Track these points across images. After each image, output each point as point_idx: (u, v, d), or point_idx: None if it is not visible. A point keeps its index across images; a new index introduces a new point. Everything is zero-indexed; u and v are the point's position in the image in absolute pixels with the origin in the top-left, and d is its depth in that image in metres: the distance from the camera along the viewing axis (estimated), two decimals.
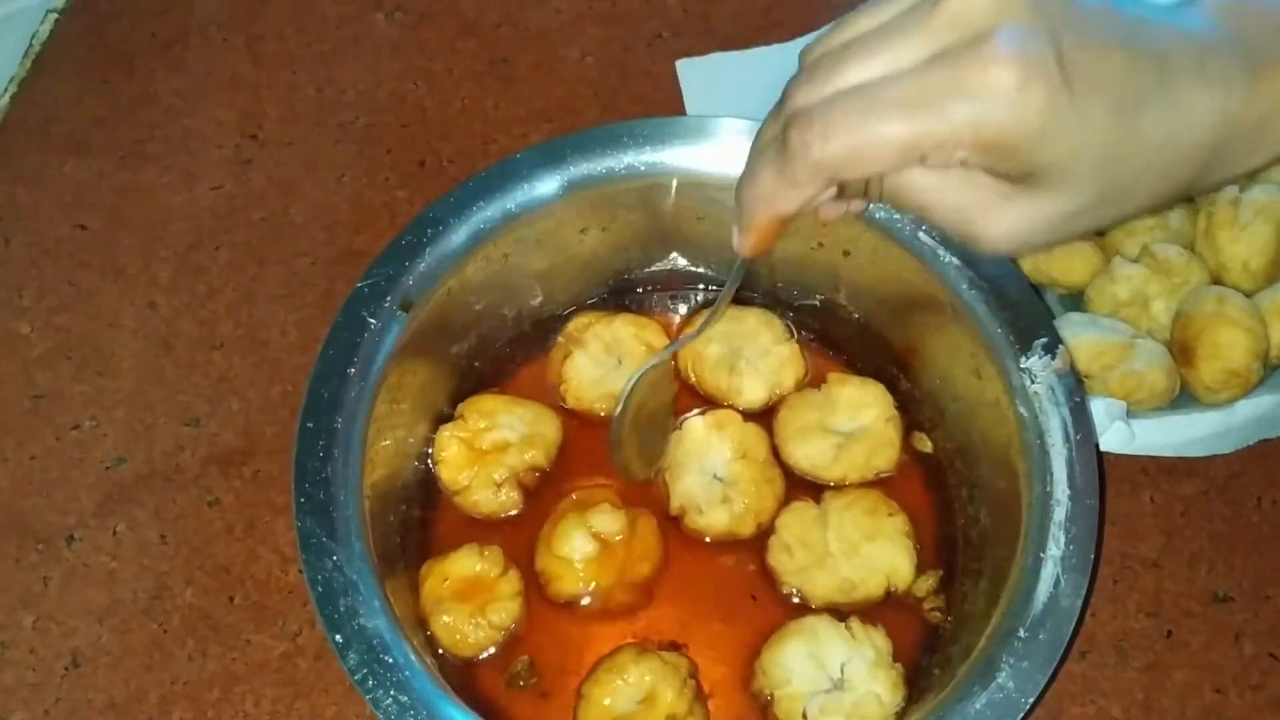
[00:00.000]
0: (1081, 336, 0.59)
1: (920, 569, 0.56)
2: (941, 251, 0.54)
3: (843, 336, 0.63)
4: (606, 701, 0.52)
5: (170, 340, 0.68)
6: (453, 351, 0.60)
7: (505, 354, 0.63)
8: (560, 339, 0.62)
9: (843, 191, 0.40)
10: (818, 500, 0.58)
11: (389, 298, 0.54)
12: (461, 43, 0.80)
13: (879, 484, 0.59)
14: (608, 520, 0.56)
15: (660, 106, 0.75)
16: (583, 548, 0.55)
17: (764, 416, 0.61)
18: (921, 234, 0.55)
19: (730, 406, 0.61)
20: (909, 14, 0.37)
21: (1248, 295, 0.61)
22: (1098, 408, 0.56)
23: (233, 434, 0.64)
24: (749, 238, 0.42)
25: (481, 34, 0.80)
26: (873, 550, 0.55)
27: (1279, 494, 0.61)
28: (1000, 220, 0.38)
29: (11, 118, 0.77)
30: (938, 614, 0.55)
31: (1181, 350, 0.60)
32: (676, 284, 0.65)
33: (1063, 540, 0.48)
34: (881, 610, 0.55)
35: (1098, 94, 0.36)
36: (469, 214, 0.56)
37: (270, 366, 0.67)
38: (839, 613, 0.54)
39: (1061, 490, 0.49)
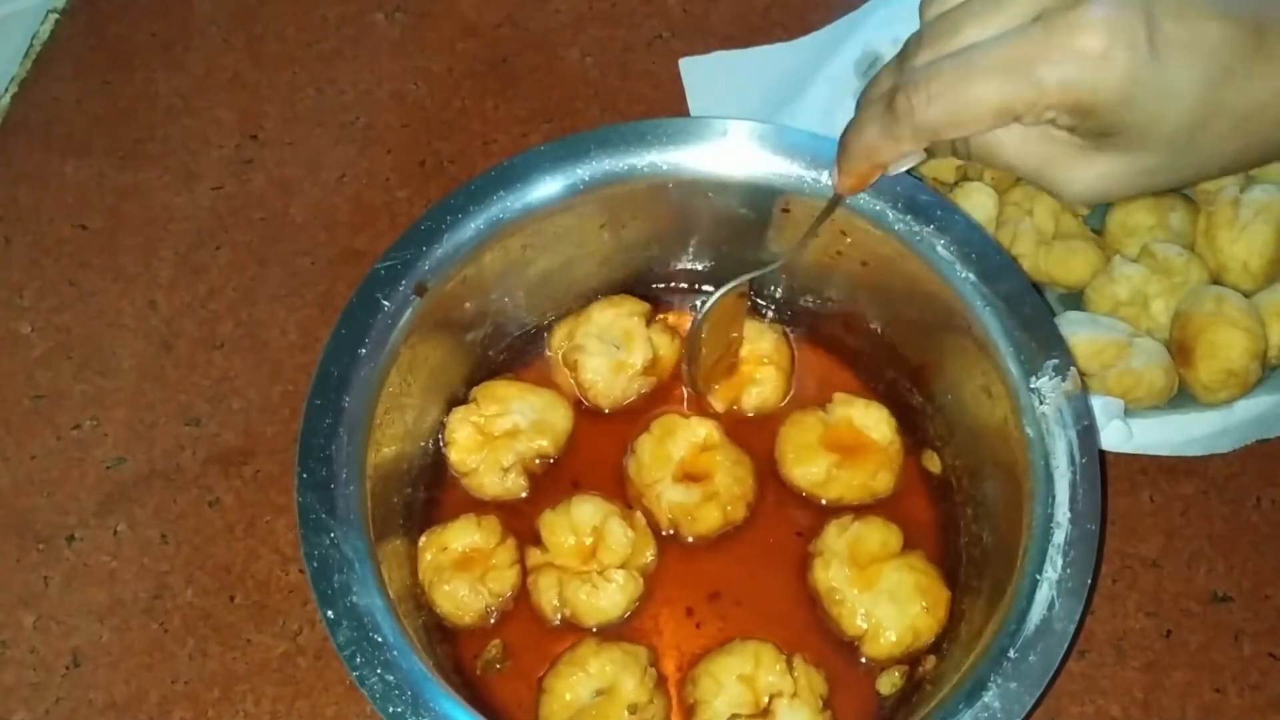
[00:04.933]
0: (1080, 334, 0.59)
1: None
2: (959, 267, 0.54)
3: (858, 347, 0.62)
4: (568, 696, 0.52)
5: (171, 340, 0.68)
6: (468, 339, 0.60)
7: (520, 344, 0.63)
8: (550, 355, 0.62)
9: (933, 150, 0.44)
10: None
11: (404, 281, 0.54)
12: (461, 43, 0.80)
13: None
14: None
15: (661, 106, 0.75)
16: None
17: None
18: (939, 248, 0.54)
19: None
20: None
21: (1247, 295, 0.61)
22: (1095, 406, 0.56)
23: (233, 434, 0.65)
24: (848, 180, 0.47)
25: (481, 34, 0.80)
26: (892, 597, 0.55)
27: (1278, 494, 0.62)
28: (1078, 174, 0.41)
29: (12, 118, 0.77)
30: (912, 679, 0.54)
31: (1180, 350, 0.60)
32: (692, 281, 0.65)
33: (1060, 563, 0.47)
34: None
35: (1186, 65, 0.37)
36: (488, 204, 0.56)
37: (271, 366, 0.67)
38: (788, 646, 0.54)
39: (1063, 513, 0.48)
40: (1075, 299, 0.65)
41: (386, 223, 0.72)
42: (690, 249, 0.63)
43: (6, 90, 0.78)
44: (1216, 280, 0.62)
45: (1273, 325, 0.60)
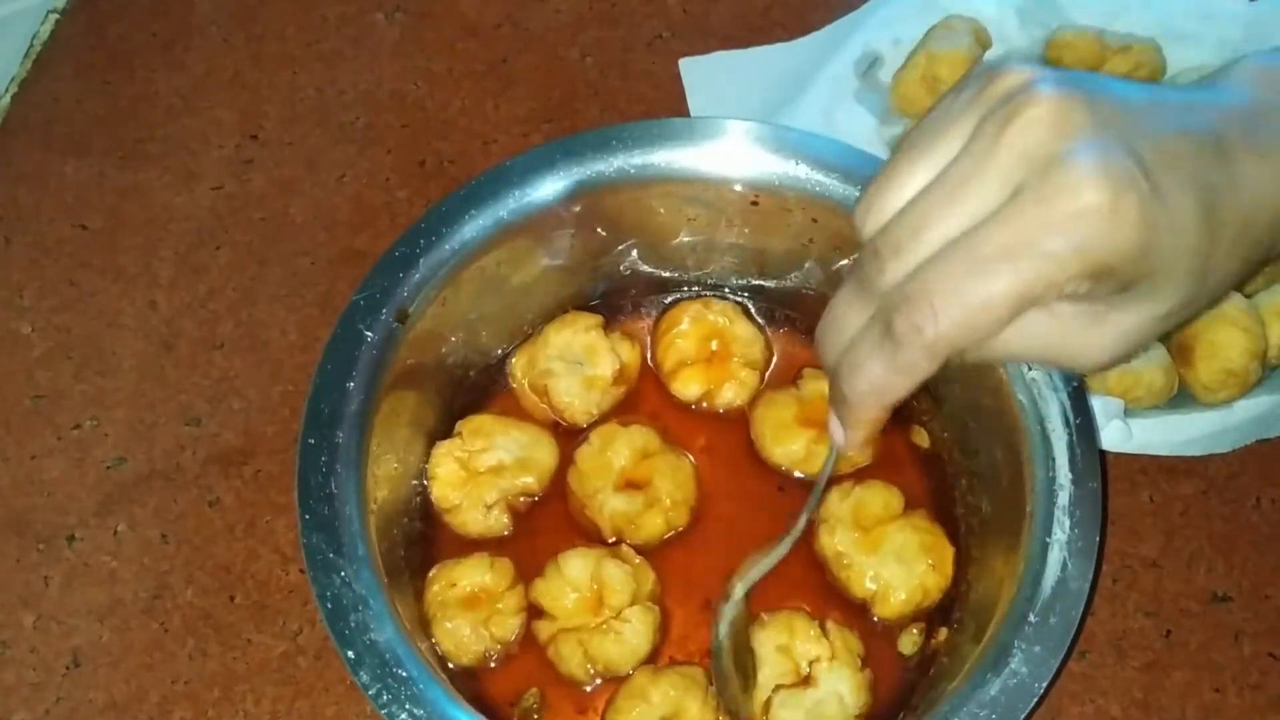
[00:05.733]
0: None
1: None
2: None
3: None
4: None
5: (171, 340, 0.68)
6: (448, 362, 0.59)
7: (498, 363, 0.62)
8: (515, 386, 0.62)
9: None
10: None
11: (384, 310, 0.54)
12: (461, 43, 0.80)
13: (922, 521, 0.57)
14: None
15: (660, 106, 0.75)
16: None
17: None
18: None
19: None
20: (969, 158, 0.35)
21: (1246, 296, 0.61)
22: (1095, 406, 0.56)
23: (233, 434, 0.65)
24: (858, 432, 0.40)
25: (481, 34, 0.80)
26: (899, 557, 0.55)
27: (1278, 494, 0.62)
28: (1093, 343, 0.37)
29: (12, 118, 0.77)
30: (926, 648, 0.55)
31: (1180, 349, 0.60)
32: (655, 288, 0.65)
33: (1067, 524, 0.48)
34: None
35: (1181, 192, 0.34)
36: (461, 223, 0.56)
37: (271, 366, 0.67)
38: (819, 612, 0.54)
39: (1064, 475, 0.49)
40: None
41: (386, 223, 0.72)
42: (675, 251, 0.62)
43: (6, 90, 0.78)
44: None
45: (1273, 325, 0.60)
